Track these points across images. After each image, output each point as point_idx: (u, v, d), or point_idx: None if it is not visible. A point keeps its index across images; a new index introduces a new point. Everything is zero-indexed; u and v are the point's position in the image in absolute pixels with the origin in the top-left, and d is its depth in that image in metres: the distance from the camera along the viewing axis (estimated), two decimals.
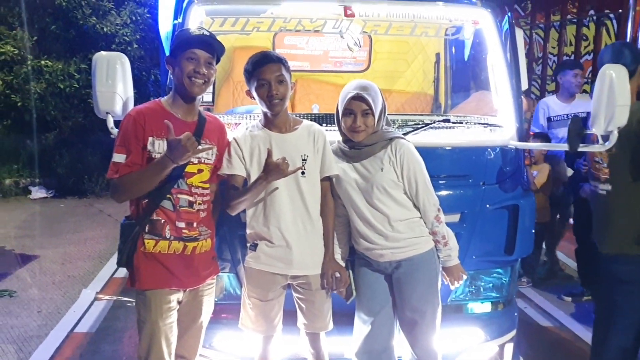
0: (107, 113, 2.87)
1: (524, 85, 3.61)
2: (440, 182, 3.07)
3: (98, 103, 2.87)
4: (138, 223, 2.62)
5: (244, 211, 2.83)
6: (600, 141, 2.82)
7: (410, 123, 3.23)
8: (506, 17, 3.54)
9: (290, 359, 3.12)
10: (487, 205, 3.15)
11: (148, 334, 2.63)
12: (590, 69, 8.61)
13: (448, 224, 2.87)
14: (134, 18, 9.80)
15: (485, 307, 3.33)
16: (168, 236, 2.62)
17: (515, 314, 3.44)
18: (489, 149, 3.22)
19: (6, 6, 9.77)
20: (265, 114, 2.81)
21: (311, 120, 2.95)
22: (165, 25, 3.89)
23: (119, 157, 2.56)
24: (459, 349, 3.24)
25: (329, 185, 2.88)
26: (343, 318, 2.98)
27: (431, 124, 3.23)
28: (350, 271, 2.96)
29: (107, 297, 5.25)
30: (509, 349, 3.37)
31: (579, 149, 2.93)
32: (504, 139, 3.25)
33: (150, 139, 2.56)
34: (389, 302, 2.91)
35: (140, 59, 9.97)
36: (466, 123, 3.30)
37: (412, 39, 4.81)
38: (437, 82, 4.93)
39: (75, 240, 7.24)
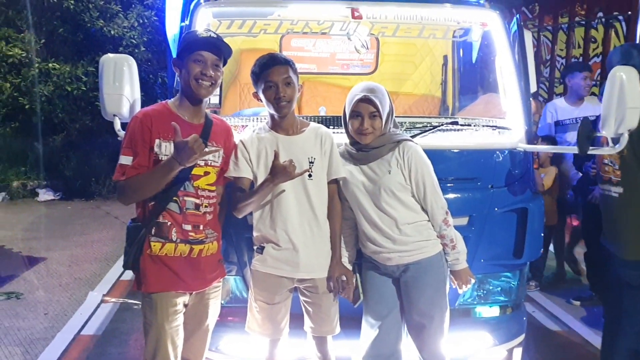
0: (114, 115, 2.87)
1: (533, 88, 3.58)
2: (448, 184, 3.04)
3: (105, 105, 2.86)
4: (144, 225, 2.61)
5: (251, 214, 2.82)
6: (611, 144, 2.80)
7: (418, 125, 3.21)
8: (514, 19, 3.52)
9: None
10: (496, 208, 3.13)
11: (154, 337, 2.62)
12: (598, 71, 8.56)
13: (456, 227, 2.85)
14: (141, 21, 9.84)
15: (494, 311, 3.31)
16: (174, 239, 2.61)
17: (524, 318, 3.41)
18: (498, 152, 3.20)
19: (14, 9, 9.82)
20: (272, 116, 2.80)
21: (318, 123, 2.94)
22: (173, 28, 3.89)
23: (125, 160, 2.55)
24: (467, 353, 3.21)
25: (336, 188, 2.86)
26: (350, 322, 2.96)
27: (439, 126, 3.21)
28: (358, 275, 2.95)
29: (113, 300, 5.24)
30: (518, 353, 3.34)
31: (589, 152, 2.91)
32: (512, 142, 3.22)
33: (157, 141, 2.55)
34: (396, 306, 2.89)
35: (148, 62, 10.01)
36: (474, 125, 3.28)
37: (419, 41, 4.79)
38: (445, 85, 4.91)
39: (82, 242, 7.25)
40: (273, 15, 3.51)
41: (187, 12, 3.37)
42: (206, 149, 2.50)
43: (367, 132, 2.73)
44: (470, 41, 4.01)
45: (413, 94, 4.99)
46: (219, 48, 2.62)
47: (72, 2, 9.43)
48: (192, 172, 2.61)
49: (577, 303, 5.19)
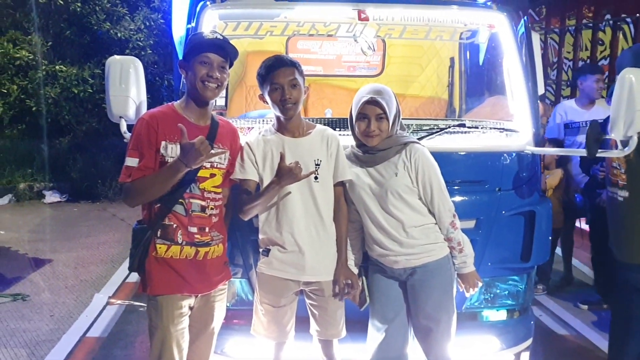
0: (120, 117, 2.88)
1: (540, 90, 3.56)
2: (455, 187, 3.03)
3: (111, 107, 2.86)
4: (150, 227, 2.60)
5: (257, 216, 2.81)
6: (620, 146, 2.77)
7: (425, 127, 3.20)
8: (522, 20, 3.50)
9: None
10: (503, 211, 3.11)
11: (159, 340, 2.61)
12: (606, 73, 8.52)
13: (463, 230, 2.84)
14: (147, 23, 9.85)
15: (501, 314, 3.29)
16: (180, 241, 2.60)
17: (532, 322, 3.39)
18: (505, 154, 3.18)
19: (22, 12, 9.86)
20: (278, 118, 2.79)
21: (324, 125, 2.93)
22: (179, 30, 3.88)
23: (131, 161, 2.55)
24: (474, 357, 3.20)
25: (342, 191, 2.85)
26: (356, 325, 2.95)
27: (446, 128, 3.20)
28: (364, 278, 2.93)
29: (119, 302, 5.24)
30: (525, 357, 3.33)
31: (597, 155, 2.88)
32: (520, 144, 3.20)
33: (163, 143, 2.54)
34: (403, 309, 2.87)
35: (154, 64, 10.02)
36: (481, 128, 3.26)
37: (426, 43, 4.77)
38: (452, 87, 4.89)
39: (88, 244, 7.26)
40: (279, 17, 3.51)
41: (194, 14, 3.37)
42: (212, 151, 2.50)
43: (374, 134, 2.72)
44: (478, 43, 4.00)
45: (420, 96, 4.97)
46: (225, 50, 2.61)
47: (79, 4, 9.45)
48: (198, 174, 2.60)
49: (585, 307, 5.15)
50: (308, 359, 3.04)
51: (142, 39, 9.75)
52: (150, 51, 9.81)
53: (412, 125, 3.18)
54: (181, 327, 2.64)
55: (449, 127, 3.22)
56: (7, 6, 9.87)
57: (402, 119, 2.89)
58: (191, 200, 2.61)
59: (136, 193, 2.57)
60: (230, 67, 2.68)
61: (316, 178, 2.74)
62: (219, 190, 2.70)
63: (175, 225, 2.60)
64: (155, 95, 9.43)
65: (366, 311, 2.92)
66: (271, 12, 3.49)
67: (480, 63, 4.19)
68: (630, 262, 3.18)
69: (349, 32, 3.65)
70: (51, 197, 9.82)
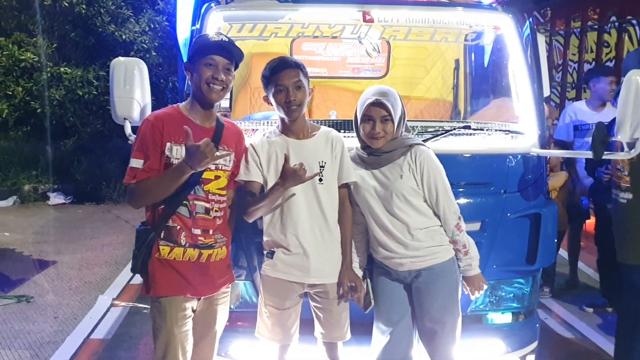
0: (125, 119, 2.87)
1: (545, 92, 3.55)
2: (460, 189, 3.02)
3: (115, 109, 2.86)
4: (153, 229, 2.60)
5: (261, 218, 2.80)
6: (626, 149, 2.76)
7: (430, 129, 3.19)
8: (527, 22, 3.50)
9: None
10: (509, 214, 3.10)
11: (163, 342, 2.61)
12: None
13: (469, 233, 2.82)
14: (152, 26, 9.87)
15: (506, 317, 3.27)
16: (183, 243, 2.60)
17: (537, 325, 3.37)
18: (511, 157, 3.17)
19: (27, 14, 9.88)
20: (282, 120, 2.78)
21: (329, 127, 2.92)
22: (184, 32, 3.89)
23: (136, 163, 2.54)
24: None
25: (347, 193, 2.84)
26: (361, 328, 2.94)
27: (451, 130, 3.18)
28: (369, 280, 2.92)
29: (123, 304, 5.24)
30: None
31: (603, 157, 2.87)
32: (525, 146, 3.19)
33: (168, 144, 2.54)
34: (408, 312, 2.86)
35: (158, 66, 10.03)
36: (487, 130, 3.25)
37: (431, 45, 4.76)
38: (457, 89, 4.87)
39: (92, 246, 7.26)
40: (284, 19, 3.50)
41: (198, 15, 3.37)
42: (217, 153, 2.49)
43: (379, 136, 2.71)
44: (483, 45, 4.00)
45: (425, 98, 4.96)
46: (230, 52, 2.61)
47: (84, 6, 9.48)
48: (203, 176, 2.59)
49: (590, 310, 5.12)
50: None
51: (146, 41, 9.76)
52: (155, 53, 9.82)
53: (417, 127, 3.17)
54: (185, 329, 2.64)
55: (454, 129, 3.20)
56: (12, 8, 9.90)
57: (407, 120, 2.88)
58: (195, 202, 2.60)
59: (140, 194, 2.57)
60: (235, 69, 2.67)
61: (320, 180, 2.73)
62: (224, 192, 2.70)
63: (178, 227, 2.59)
64: (159, 98, 9.45)
65: (371, 314, 2.91)
66: (276, 13, 3.48)
67: (486, 65, 4.17)
68: (635, 265, 3.17)
69: (353, 34, 3.64)
70: (56, 198, 9.83)
